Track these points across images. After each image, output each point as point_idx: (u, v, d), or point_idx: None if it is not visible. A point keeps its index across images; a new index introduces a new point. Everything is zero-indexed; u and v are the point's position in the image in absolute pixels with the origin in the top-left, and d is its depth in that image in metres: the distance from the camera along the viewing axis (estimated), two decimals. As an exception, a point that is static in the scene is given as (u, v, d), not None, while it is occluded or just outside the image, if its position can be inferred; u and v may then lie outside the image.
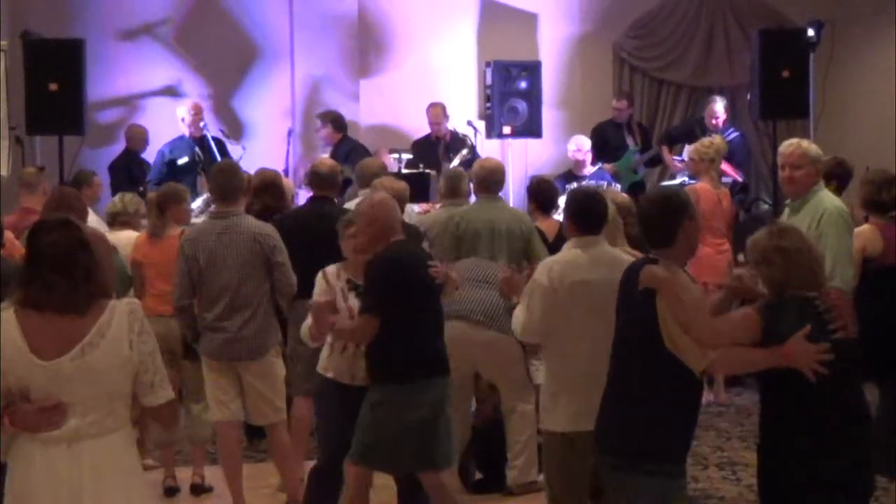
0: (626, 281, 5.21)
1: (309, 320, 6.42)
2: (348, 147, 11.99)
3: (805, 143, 7.08)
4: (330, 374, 6.51)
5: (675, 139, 12.80)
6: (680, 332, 4.89)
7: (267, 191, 8.27)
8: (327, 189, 8.18)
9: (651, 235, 5.17)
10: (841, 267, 6.76)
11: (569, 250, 6.00)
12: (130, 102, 13.33)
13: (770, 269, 4.98)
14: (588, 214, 5.98)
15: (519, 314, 6.00)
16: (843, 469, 4.92)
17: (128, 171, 12.03)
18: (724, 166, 11.16)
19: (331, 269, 6.61)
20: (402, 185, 8.23)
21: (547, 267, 5.97)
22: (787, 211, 7.14)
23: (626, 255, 5.86)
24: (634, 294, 5.03)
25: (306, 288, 6.79)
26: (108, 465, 4.24)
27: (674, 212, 5.11)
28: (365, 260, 6.29)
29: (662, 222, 5.10)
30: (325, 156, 11.07)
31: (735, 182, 12.02)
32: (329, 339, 6.48)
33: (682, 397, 5.05)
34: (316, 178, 8.26)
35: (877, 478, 7.71)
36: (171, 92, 13.31)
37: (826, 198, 6.93)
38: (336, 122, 12.30)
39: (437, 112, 12.57)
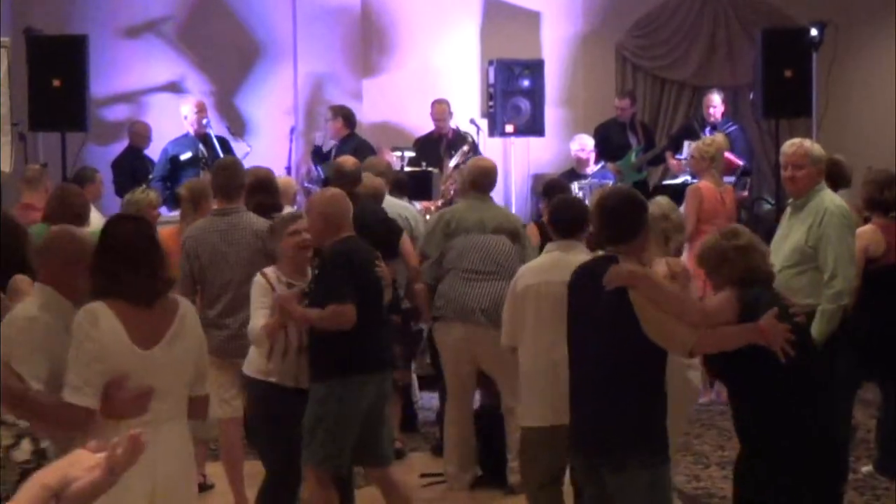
0: (585, 281, 5.32)
1: (257, 321, 6.39)
2: (354, 144, 11.88)
3: (808, 144, 7.08)
4: (273, 379, 6.46)
5: (678, 141, 12.81)
6: (663, 319, 5.02)
7: (261, 189, 8.25)
8: (352, 186, 8.22)
9: (616, 231, 5.33)
10: (843, 267, 6.77)
11: (545, 254, 6.40)
12: (133, 99, 13.33)
13: (731, 267, 5.21)
14: (566, 220, 6.32)
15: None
16: (811, 460, 5.06)
17: (131, 168, 12.01)
18: (727, 154, 11.23)
19: (269, 270, 6.57)
20: (379, 182, 8.50)
21: (519, 272, 6.42)
22: (788, 210, 7.15)
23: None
24: (600, 294, 5.10)
25: None
26: (177, 448, 4.50)
27: (639, 209, 5.36)
28: (305, 258, 6.37)
29: (630, 218, 5.30)
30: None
31: (738, 168, 12.10)
32: (266, 342, 6.45)
33: (657, 388, 5.19)
34: (341, 176, 8.32)
35: (879, 478, 7.74)
36: (174, 89, 13.31)
37: (828, 197, 6.93)
38: (347, 117, 12.26)
39: (442, 109, 12.55)
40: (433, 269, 7.98)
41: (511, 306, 6.44)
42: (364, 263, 6.29)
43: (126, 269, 4.39)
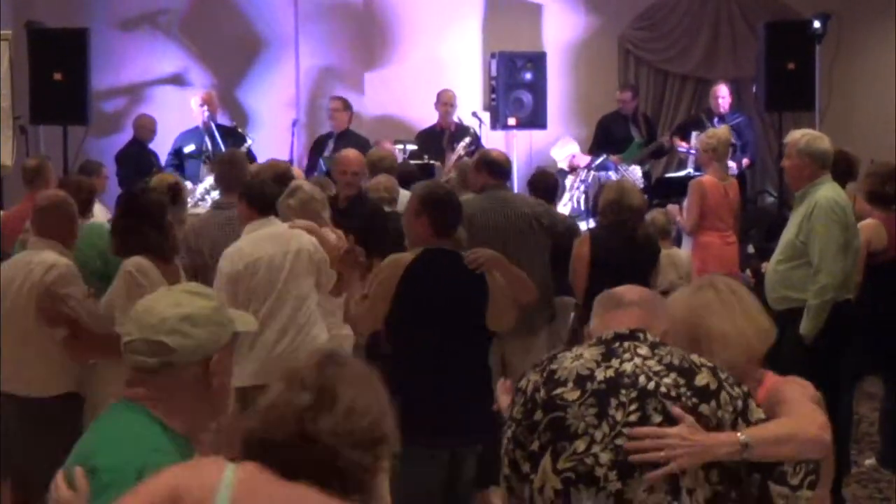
0: (427, 273, 5.48)
1: None
2: (351, 139, 11.87)
3: (798, 135, 7.00)
4: None
5: (686, 130, 12.72)
6: (504, 295, 5.49)
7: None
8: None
9: (452, 225, 5.64)
10: (827, 261, 6.64)
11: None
12: (134, 92, 13.32)
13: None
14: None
15: None
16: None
17: (136, 161, 11.96)
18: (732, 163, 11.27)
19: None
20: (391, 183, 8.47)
21: None
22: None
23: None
24: (446, 283, 5.41)
25: None
26: None
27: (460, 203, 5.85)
28: None
29: (459, 211, 5.76)
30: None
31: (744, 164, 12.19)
32: None
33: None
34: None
35: (882, 471, 7.72)
36: (176, 82, 13.30)
37: (822, 191, 6.78)
38: (351, 112, 12.22)
39: (450, 95, 12.43)
40: None
41: None
42: None
43: (144, 229, 5.57)
